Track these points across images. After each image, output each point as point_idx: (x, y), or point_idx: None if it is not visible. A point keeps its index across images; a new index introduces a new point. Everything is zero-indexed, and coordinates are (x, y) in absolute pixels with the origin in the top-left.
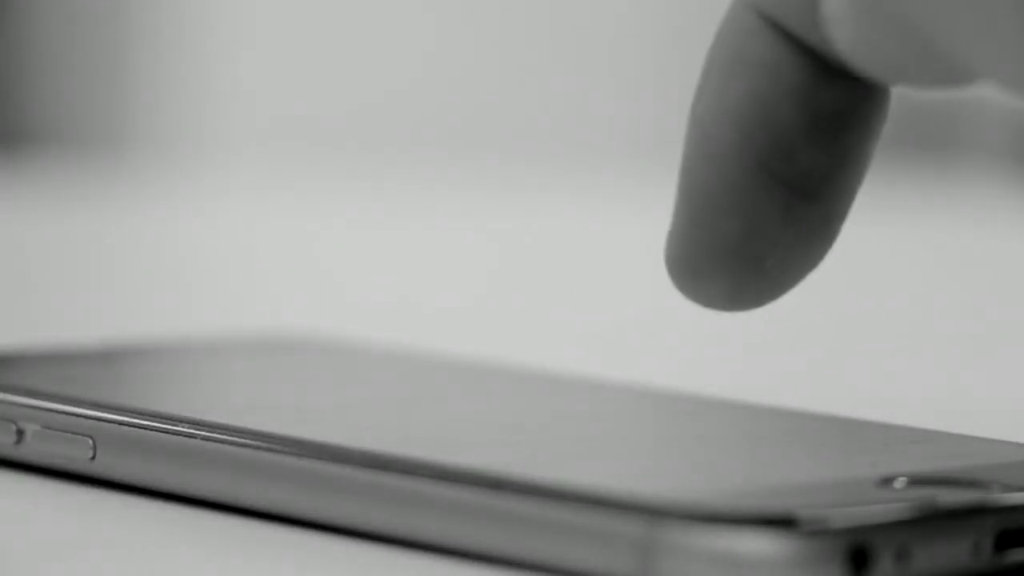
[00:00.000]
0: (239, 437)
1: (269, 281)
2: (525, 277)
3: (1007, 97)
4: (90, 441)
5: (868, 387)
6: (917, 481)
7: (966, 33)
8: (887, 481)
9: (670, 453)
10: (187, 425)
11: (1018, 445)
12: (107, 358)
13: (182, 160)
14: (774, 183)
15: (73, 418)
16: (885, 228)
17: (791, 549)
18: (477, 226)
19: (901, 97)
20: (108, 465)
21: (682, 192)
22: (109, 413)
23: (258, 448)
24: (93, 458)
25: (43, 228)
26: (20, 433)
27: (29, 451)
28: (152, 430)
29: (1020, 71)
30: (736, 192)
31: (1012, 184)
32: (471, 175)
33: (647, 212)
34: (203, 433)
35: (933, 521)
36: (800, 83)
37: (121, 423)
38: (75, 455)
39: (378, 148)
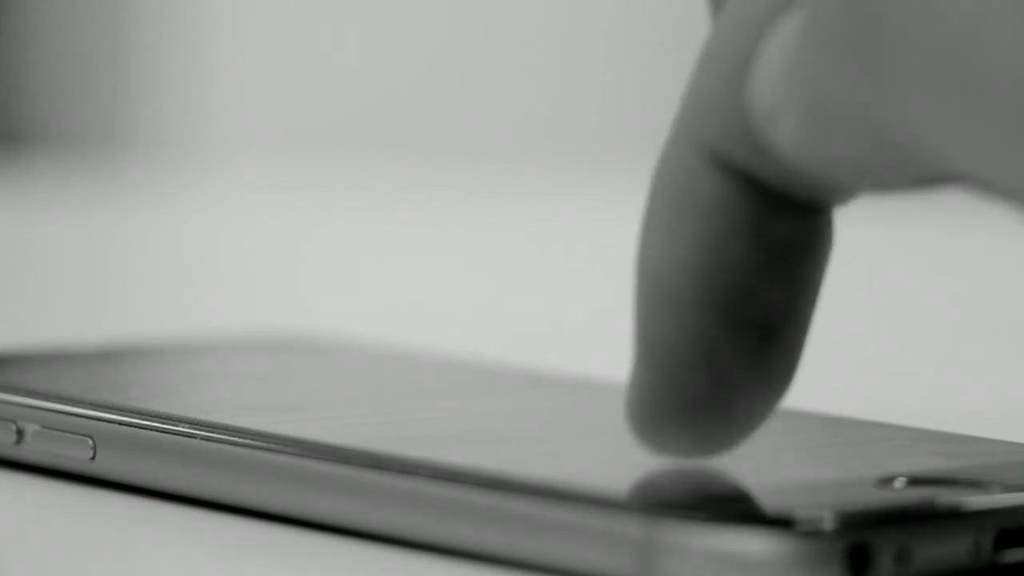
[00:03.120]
0: (239, 437)
1: (268, 281)
2: (525, 277)
3: (984, 199)
4: (90, 441)
5: (868, 387)
6: (917, 481)
7: (947, 133)
8: (887, 481)
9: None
10: (187, 425)
11: (1018, 445)
12: (107, 358)
13: (182, 160)
14: (736, 327)
15: (73, 418)
16: (885, 228)
17: (791, 549)
18: (477, 226)
19: None
20: (108, 465)
21: (641, 346)
22: (109, 413)
23: (258, 448)
24: (93, 458)
25: (43, 228)
26: (20, 433)
27: (29, 451)
28: (152, 430)
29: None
30: (700, 342)
31: None
32: (471, 175)
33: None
34: (203, 433)
35: (933, 521)
36: (751, 218)
37: (121, 423)
38: (75, 455)
39: (378, 148)
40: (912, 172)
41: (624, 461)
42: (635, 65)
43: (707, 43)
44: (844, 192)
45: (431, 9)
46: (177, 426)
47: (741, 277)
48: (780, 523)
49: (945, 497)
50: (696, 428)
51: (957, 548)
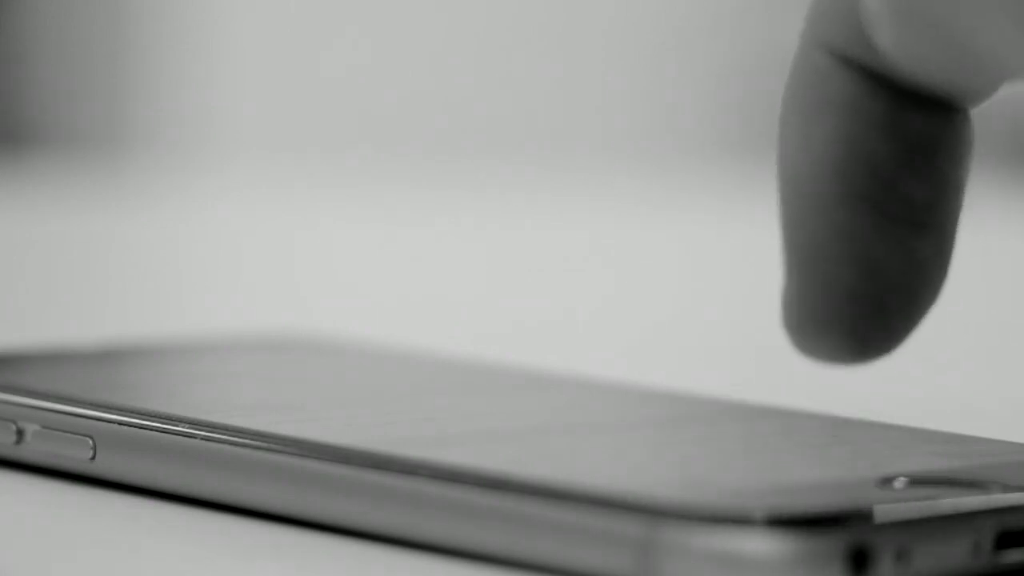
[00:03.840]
0: (239, 437)
1: (268, 281)
2: (525, 277)
3: None
4: (90, 441)
5: (868, 387)
6: (917, 481)
7: (998, 30)
8: (887, 481)
9: (670, 453)
10: (187, 425)
11: (1018, 445)
12: (107, 358)
13: (182, 160)
14: (883, 219)
15: (73, 418)
16: None
17: (791, 549)
18: (477, 226)
19: None
20: (108, 465)
21: (790, 248)
22: (109, 413)
23: (258, 448)
24: (93, 458)
25: (43, 228)
26: (20, 433)
27: (29, 451)
28: (152, 430)
29: None
30: (848, 236)
31: (1012, 184)
32: (470, 175)
33: (647, 213)
34: (203, 433)
35: (933, 521)
36: (884, 113)
37: (121, 423)
38: (75, 455)
39: (378, 148)
40: (987, 76)
41: (624, 461)
42: (635, 64)
43: None
44: (969, 91)
45: (430, 10)
46: (177, 426)
47: (881, 170)
48: (780, 523)
49: (945, 497)
50: (853, 327)
51: (957, 548)
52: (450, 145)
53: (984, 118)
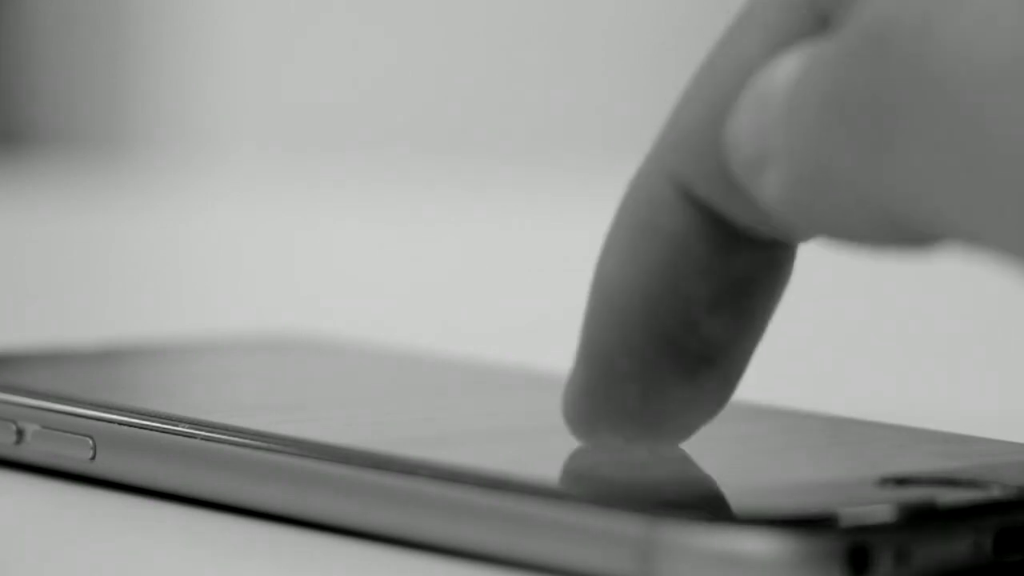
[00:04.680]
0: (239, 437)
1: (268, 281)
2: (524, 277)
3: (979, 257)
4: (90, 441)
5: (868, 387)
6: (917, 481)
7: (942, 203)
8: (887, 481)
9: (670, 453)
10: (187, 425)
11: (1018, 445)
12: (107, 358)
13: (182, 160)
14: (675, 352)
15: (73, 418)
16: None
17: (791, 549)
18: (476, 226)
19: None
20: (108, 465)
21: (583, 348)
22: (109, 413)
23: (258, 448)
24: (93, 458)
25: (43, 228)
26: (20, 433)
27: (29, 451)
28: (152, 430)
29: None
30: (637, 359)
31: None
32: (470, 175)
33: None
34: (203, 433)
35: (933, 521)
36: (708, 255)
37: (121, 423)
38: (75, 455)
39: (378, 148)
40: (902, 236)
41: (624, 461)
42: (630, 64)
43: (694, 76)
44: (815, 237)
45: (430, 10)
46: (177, 426)
47: (687, 309)
48: (780, 523)
49: (945, 497)
50: (624, 433)
51: (957, 548)
52: (451, 145)
53: None
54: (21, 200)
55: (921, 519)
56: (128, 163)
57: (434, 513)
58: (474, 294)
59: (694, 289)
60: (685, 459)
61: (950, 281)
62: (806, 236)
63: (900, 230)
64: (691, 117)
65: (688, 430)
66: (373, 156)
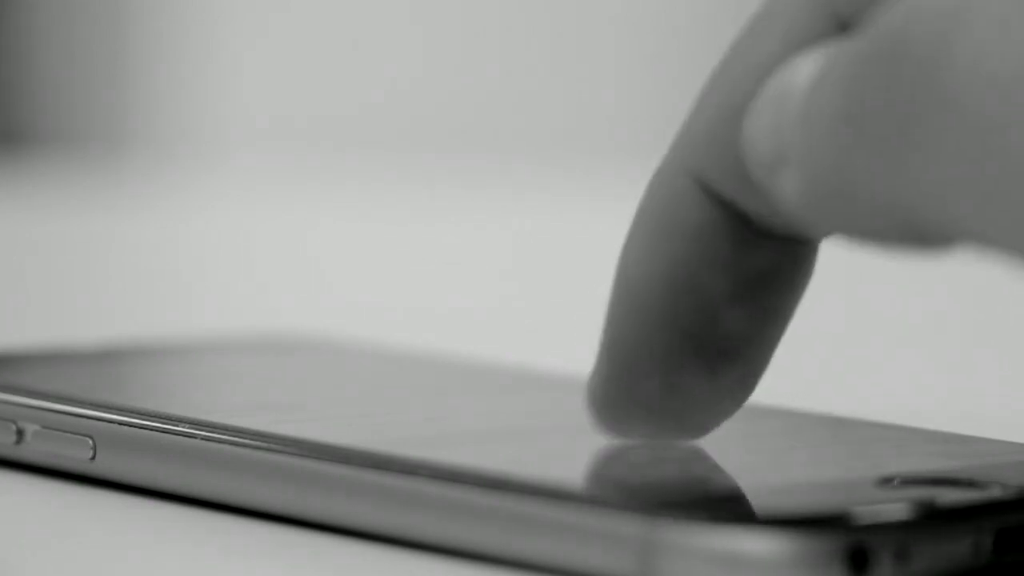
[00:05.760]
0: (239, 437)
1: (269, 281)
2: (524, 277)
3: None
4: (90, 441)
5: (868, 387)
6: (917, 481)
7: (953, 210)
8: (887, 481)
9: (670, 453)
10: (187, 425)
11: (1018, 445)
12: (107, 358)
13: (182, 160)
14: (696, 348)
15: (73, 418)
16: None
17: (791, 549)
18: (477, 226)
19: None
20: (108, 465)
21: (606, 341)
22: (109, 413)
23: (258, 448)
24: (93, 458)
25: (43, 228)
26: (20, 433)
27: (29, 451)
28: (152, 430)
29: None
30: (659, 353)
31: None
32: (471, 175)
33: None
34: (203, 433)
35: (933, 521)
36: (729, 250)
37: (121, 423)
38: (75, 455)
39: (378, 148)
40: (918, 238)
41: (624, 461)
42: (636, 63)
43: (713, 72)
44: (831, 235)
45: (431, 9)
46: (177, 426)
47: (709, 304)
48: (780, 523)
49: (945, 497)
50: (647, 427)
51: (957, 548)
52: (451, 145)
53: None
54: (21, 200)
55: (921, 519)
56: (128, 163)
57: (434, 513)
58: (475, 294)
59: (714, 283)
60: (685, 459)
61: (950, 281)
62: (823, 234)
63: (916, 233)
64: (711, 114)
65: (709, 425)
66: (374, 156)
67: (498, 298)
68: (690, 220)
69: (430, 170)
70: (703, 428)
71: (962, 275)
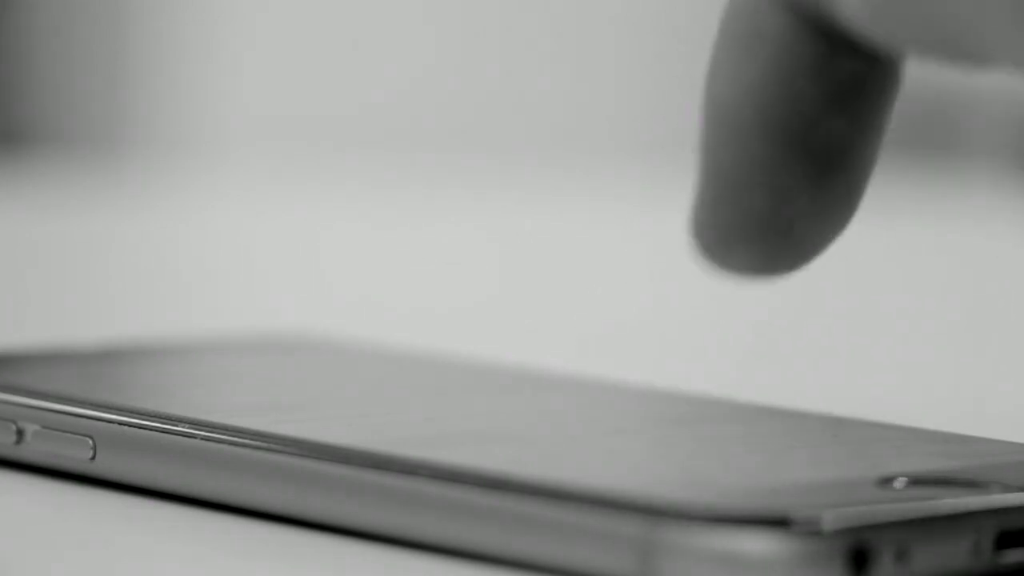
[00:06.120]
0: (239, 437)
1: (269, 281)
2: (525, 276)
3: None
4: (90, 441)
5: (868, 387)
6: (917, 481)
7: (993, 25)
8: (887, 481)
9: (670, 453)
10: (187, 425)
11: (1018, 445)
12: (107, 358)
13: (182, 160)
14: (798, 154)
15: (73, 418)
16: (886, 228)
17: (791, 549)
18: (477, 226)
19: (901, 98)
20: (108, 465)
21: (704, 169)
22: (109, 413)
23: (258, 448)
24: (93, 458)
25: (43, 228)
26: (20, 433)
27: (29, 451)
28: (152, 430)
29: None
30: (762, 166)
31: (1013, 184)
32: (471, 175)
33: (646, 211)
34: (203, 433)
35: (933, 521)
36: (815, 55)
37: (121, 423)
38: (75, 455)
39: (378, 148)
40: (960, 52)
41: (624, 461)
42: (636, 64)
43: None
44: (935, 62)
45: (431, 9)
46: (177, 426)
47: (803, 108)
48: (780, 523)
49: (945, 497)
50: (758, 246)
51: (957, 548)
52: (451, 145)
53: (985, 118)
54: (21, 200)
55: (921, 519)
56: (128, 163)
57: (434, 513)
58: (475, 294)
59: (805, 89)
60: (685, 459)
61: (950, 281)
62: (887, 43)
63: (960, 48)
64: None
65: (816, 246)
66: (374, 156)
67: (498, 298)
68: (772, 30)
69: (430, 170)
70: (810, 248)
71: (962, 275)
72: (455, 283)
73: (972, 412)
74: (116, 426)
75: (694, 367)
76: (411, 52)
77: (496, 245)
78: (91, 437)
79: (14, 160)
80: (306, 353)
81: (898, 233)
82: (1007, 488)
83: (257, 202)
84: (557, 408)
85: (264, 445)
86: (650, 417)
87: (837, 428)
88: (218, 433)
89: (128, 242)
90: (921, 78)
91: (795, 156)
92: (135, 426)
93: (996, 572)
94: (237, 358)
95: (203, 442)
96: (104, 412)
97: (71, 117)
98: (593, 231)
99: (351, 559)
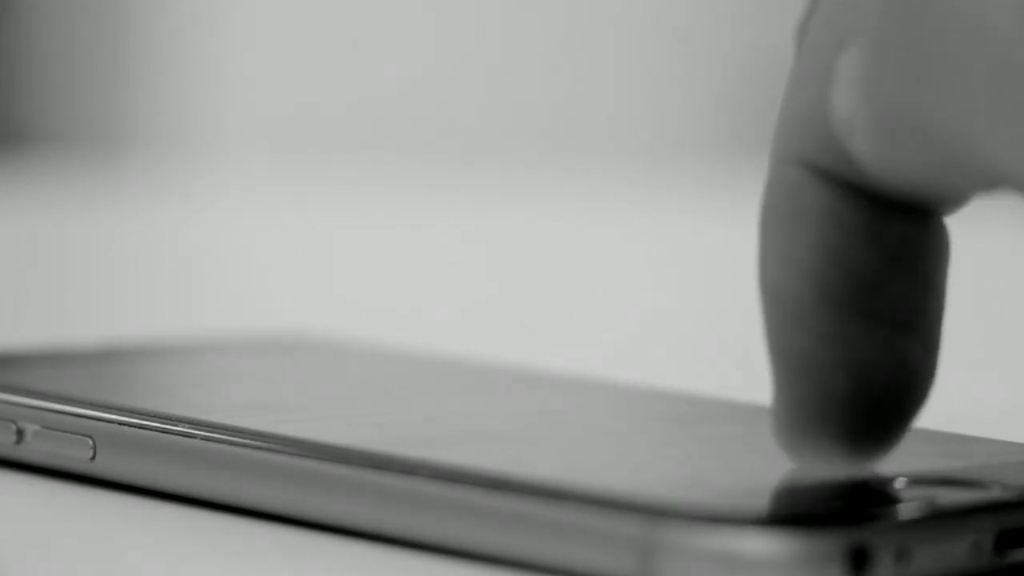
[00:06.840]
0: (239, 437)
1: (269, 281)
2: (525, 277)
3: None
4: (90, 441)
5: None
6: (917, 481)
7: (986, 133)
8: (887, 481)
9: (670, 453)
10: (187, 425)
11: (1018, 445)
12: (107, 358)
13: (182, 160)
14: (867, 321)
15: (73, 418)
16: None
17: (791, 549)
18: (477, 226)
19: None
20: (108, 465)
21: (777, 361)
22: (109, 413)
23: (258, 448)
24: (93, 458)
25: (43, 228)
26: (20, 433)
27: (29, 451)
28: (152, 430)
29: None
30: (836, 343)
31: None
32: (471, 175)
33: (646, 212)
34: (203, 433)
35: (933, 521)
36: (862, 221)
37: (121, 423)
38: (75, 455)
39: (378, 148)
40: (971, 179)
41: (624, 461)
42: (635, 65)
43: (794, 66)
44: (950, 197)
45: (431, 9)
46: (177, 426)
47: (862, 274)
48: (780, 523)
49: (945, 497)
50: (846, 431)
51: (957, 548)
52: (452, 145)
53: None
54: (21, 200)
55: (921, 519)
56: (128, 163)
57: (434, 513)
58: (475, 294)
59: (862, 254)
60: (685, 459)
61: (950, 281)
62: (910, 192)
63: (970, 174)
64: (801, 102)
65: (905, 417)
66: (373, 156)
67: (498, 298)
68: (817, 203)
69: (430, 170)
70: (897, 423)
71: (962, 275)
72: (455, 283)
73: (972, 412)
74: (116, 426)
75: (694, 367)
76: (411, 52)
77: (496, 245)
78: (91, 437)
79: (14, 160)
80: (306, 353)
81: None
82: (1007, 488)
83: (257, 202)
84: (557, 408)
85: (264, 445)
86: (650, 417)
87: None
88: (218, 433)
89: (128, 242)
90: None
91: (864, 324)
92: (135, 426)
93: (996, 572)
94: (237, 358)
95: (203, 442)
96: (104, 412)
97: (71, 117)
98: (593, 231)
99: (351, 559)
